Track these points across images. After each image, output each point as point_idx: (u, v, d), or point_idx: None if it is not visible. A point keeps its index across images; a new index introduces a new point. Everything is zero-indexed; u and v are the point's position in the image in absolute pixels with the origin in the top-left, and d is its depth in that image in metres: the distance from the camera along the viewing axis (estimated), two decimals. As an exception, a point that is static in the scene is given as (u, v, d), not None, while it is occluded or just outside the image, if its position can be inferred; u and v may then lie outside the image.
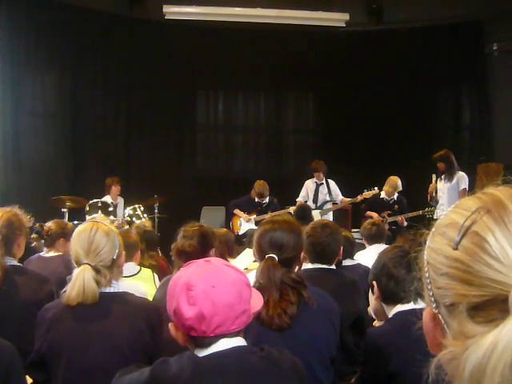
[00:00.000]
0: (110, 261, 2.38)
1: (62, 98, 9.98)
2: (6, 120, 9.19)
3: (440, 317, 0.76)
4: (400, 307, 2.37)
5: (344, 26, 10.86)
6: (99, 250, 2.35)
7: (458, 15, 10.36)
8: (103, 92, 10.50)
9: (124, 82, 10.69)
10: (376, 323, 2.85)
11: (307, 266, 3.45)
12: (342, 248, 3.61)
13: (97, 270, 2.31)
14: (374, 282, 2.47)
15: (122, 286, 2.53)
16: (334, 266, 3.48)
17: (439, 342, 0.75)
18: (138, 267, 3.95)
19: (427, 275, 0.79)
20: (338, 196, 8.86)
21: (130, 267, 3.63)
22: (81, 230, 2.42)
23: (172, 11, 10.55)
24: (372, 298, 2.55)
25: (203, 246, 3.14)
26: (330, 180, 8.89)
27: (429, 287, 0.78)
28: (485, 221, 0.72)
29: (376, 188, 8.51)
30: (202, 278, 1.58)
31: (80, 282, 2.26)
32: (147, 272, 4.02)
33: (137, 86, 10.66)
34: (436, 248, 0.78)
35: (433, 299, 0.77)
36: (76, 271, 2.31)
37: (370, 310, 2.68)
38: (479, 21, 10.47)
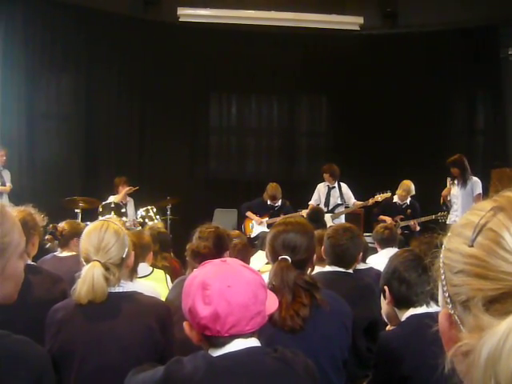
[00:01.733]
0: (119, 259, 2.39)
1: (76, 100, 10.04)
2: (21, 122, 9.28)
3: (456, 317, 0.76)
4: (412, 311, 2.36)
5: (358, 29, 10.84)
6: (109, 248, 2.36)
7: (473, 19, 10.30)
8: (117, 94, 10.56)
9: (138, 84, 10.74)
10: (389, 328, 2.84)
11: (324, 268, 3.46)
12: (361, 254, 3.61)
13: (106, 268, 2.32)
14: (386, 287, 2.46)
15: (135, 286, 2.53)
16: (351, 271, 3.47)
17: (455, 342, 0.75)
18: (151, 268, 3.96)
19: (443, 277, 0.79)
20: (351, 199, 8.84)
21: (142, 268, 3.63)
22: (91, 229, 2.44)
23: (186, 13, 10.58)
24: (384, 303, 2.54)
25: (218, 248, 3.15)
26: (342, 183, 8.88)
27: (444, 288, 0.79)
28: (500, 218, 0.74)
29: (388, 191, 8.48)
30: (218, 278, 1.58)
31: (89, 279, 2.27)
32: (160, 273, 4.03)
33: (150, 88, 10.70)
34: (452, 248, 0.79)
35: (448, 300, 0.78)
36: (85, 268, 2.32)
37: (383, 314, 2.67)
38: (494, 25, 10.40)
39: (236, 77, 10.98)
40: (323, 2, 10.84)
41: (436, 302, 2.17)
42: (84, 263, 2.39)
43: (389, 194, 8.47)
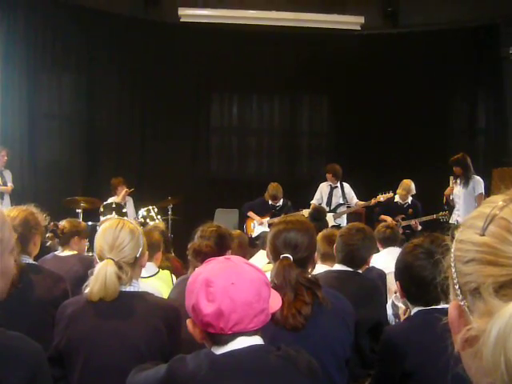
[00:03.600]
0: (132, 258, 2.39)
1: (77, 100, 10.06)
2: (23, 121, 9.28)
3: (466, 308, 0.76)
4: (421, 307, 2.36)
5: (359, 29, 10.83)
6: (123, 247, 2.37)
7: (473, 18, 10.30)
8: (118, 94, 10.57)
9: (139, 84, 10.76)
10: None
11: (334, 267, 3.46)
12: (371, 256, 3.61)
13: (119, 266, 2.32)
14: (398, 283, 2.46)
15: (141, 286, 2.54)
16: (360, 271, 3.48)
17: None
18: (157, 268, 3.95)
19: (453, 269, 0.80)
20: (353, 199, 8.85)
21: (148, 267, 3.61)
22: (107, 226, 2.44)
23: (187, 14, 10.57)
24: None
25: (220, 247, 3.15)
26: (344, 183, 8.88)
27: (455, 281, 0.79)
28: (511, 208, 0.75)
29: (390, 192, 8.48)
30: (222, 275, 1.58)
31: (102, 276, 2.27)
32: (165, 273, 4.01)
33: (152, 88, 10.71)
34: (464, 239, 0.80)
35: (459, 291, 0.78)
36: (98, 265, 2.32)
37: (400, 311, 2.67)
38: (495, 24, 10.38)
39: (237, 77, 10.98)
40: (324, 1, 10.83)
41: (446, 297, 2.17)
42: (98, 260, 2.40)
43: (391, 195, 8.47)
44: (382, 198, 8.49)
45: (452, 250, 0.82)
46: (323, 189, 8.99)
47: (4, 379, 1.49)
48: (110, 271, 2.28)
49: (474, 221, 0.79)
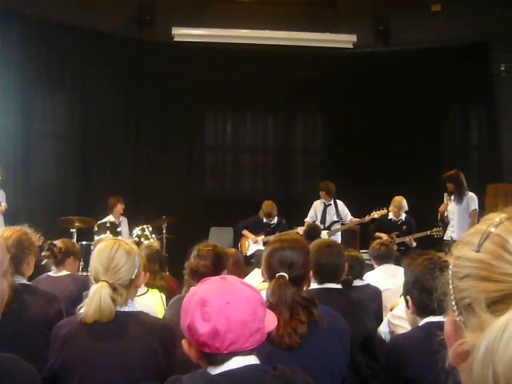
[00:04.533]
0: (128, 280, 2.38)
1: (71, 119, 10.08)
2: (17, 141, 9.27)
3: (461, 324, 0.78)
4: (431, 318, 2.37)
5: (352, 47, 10.92)
6: (118, 268, 2.35)
7: (465, 36, 10.41)
8: (112, 113, 10.58)
9: (133, 104, 10.79)
10: None
11: (312, 285, 3.41)
12: (346, 266, 3.56)
13: (114, 288, 2.31)
14: (408, 297, 2.45)
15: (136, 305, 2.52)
16: (340, 286, 3.43)
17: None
18: (146, 288, 3.93)
19: (451, 286, 0.81)
20: (347, 216, 8.85)
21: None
22: (102, 247, 2.43)
23: (180, 33, 10.63)
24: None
25: (217, 267, 3.13)
26: (338, 201, 8.89)
27: (452, 297, 0.80)
28: (506, 225, 0.76)
29: (384, 208, 8.50)
30: (217, 295, 1.57)
31: (97, 299, 2.26)
32: (154, 292, 4.01)
33: (146, 107, 10.74)
34: (460, 255, 0.81)
35: (455, 307, 0.79)
36: (93, 288, 2.31)
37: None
38: (487, 42, 10.50)
39: (231, 95, 11.03)
40: (317, 20, 10.93)
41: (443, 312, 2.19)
42: (93, 281, 2.38)
43: (385, 211, 8.49)
44: (376, 214, 8.51)
45: (450, 267, 0.83)
46: (317, 206, 8.99)
47: None
48: (105, 294, 2.27)
49: (470, 237, 0.81)
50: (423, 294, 2.37)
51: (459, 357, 0.74)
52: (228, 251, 3.66)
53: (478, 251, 0.76)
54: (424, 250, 2.50)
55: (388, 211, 8.52)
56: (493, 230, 0.76)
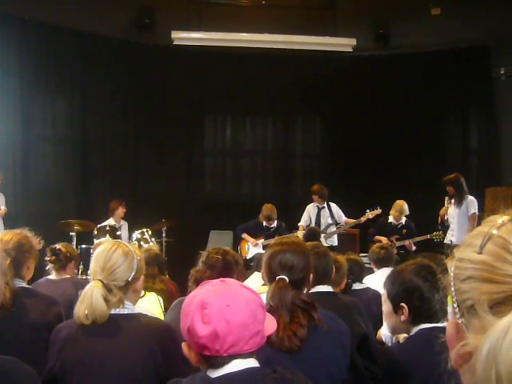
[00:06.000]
0: (123, 281, 2.37)
1: (71, 123, 10.07)
2: (16, 144, 9.26)
3: (463, 326, 0.78)
4: (422, 325, 2.35)
5: (351, 51, 10.93)
6: (114, 269, 2.35)
7: (464, 40, 10.41)
8: (112, 117, 10.58)
9: (132, 107, 10.78)
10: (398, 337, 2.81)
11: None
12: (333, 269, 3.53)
13: (108, 289, 2.31)
14: (404, 304, 2.41)
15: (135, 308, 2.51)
16: (331, 289, 3.42)
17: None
18: (142, 291, 3.91)
19: (452, 288, 0.81)
20: (342, 218, 8.85)
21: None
22: (102, 249, 2.44)
23: (180, 37, 10.65)
24: (392, 316, 2.49)
25: (223, 278, 3.06)
26: (331, 203, 8.89)
27: (454, 299, 0.81)
28: (508, 227, 0.77)
29: (378, 208, 8.49)
30: (217, 297, 1.58)
31: (88, 298, 2.27)
32: (151, 295, 4.00)
33: (145, 110, 10.74)
34: (462, 257, 0.81)
35: (457, 309, 0.79)
36: (86, 287, 2.32)
37: (388, 326, 2.63)
38: (486, 45, 10.51)
39: (230, 99, 11.02)
40: (316, 24, 10.94)
41: (444, 315, 2.18)
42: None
43: (379, 211, 8.50)
44: (370, 214, 8.52)
45: (452, 269, 0.83)
46: (310, 210, 9.00)
47: None
48: (97, 292, 2.27)
49: (472, 239, 0.81)
50: (422, 303, 2.35)
51: (461, 359, 0.74)
52: (239, 259, 3.48)
53: (480, 253, 0.77)
54: (429, 253, 2.46)
55: (385, 213, 8.53)
56: (495, 231, 0.76)
